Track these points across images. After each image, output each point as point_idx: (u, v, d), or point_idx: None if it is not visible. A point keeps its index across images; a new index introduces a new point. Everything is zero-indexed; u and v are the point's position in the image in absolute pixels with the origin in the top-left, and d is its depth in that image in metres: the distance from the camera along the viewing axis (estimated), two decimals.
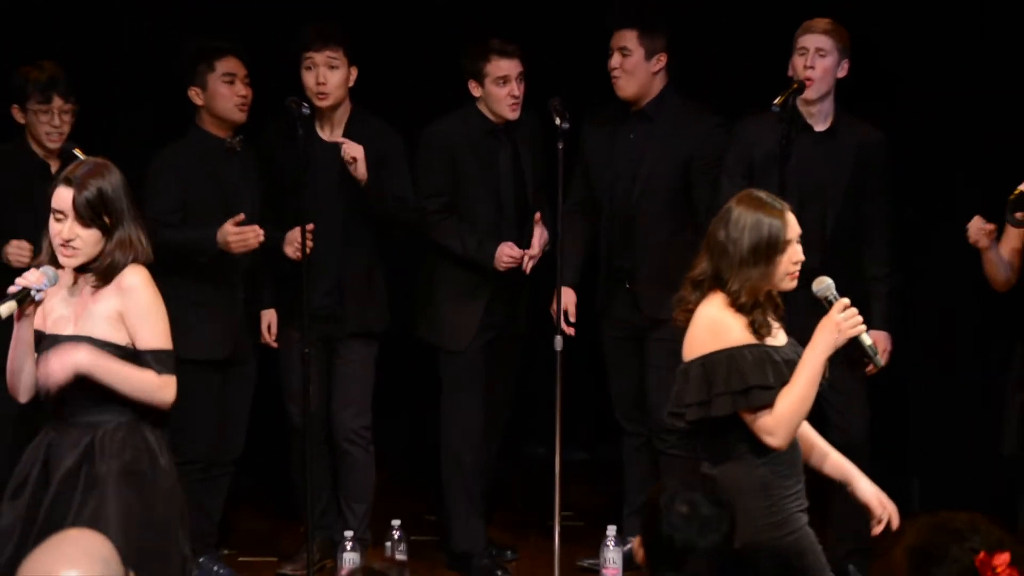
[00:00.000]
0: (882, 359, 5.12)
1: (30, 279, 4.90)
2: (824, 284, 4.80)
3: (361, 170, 6.63)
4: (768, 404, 4.64)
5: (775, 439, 4.67)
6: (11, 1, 7.45)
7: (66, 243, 4.92)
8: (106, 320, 4.99)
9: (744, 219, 4.72)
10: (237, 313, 6.76)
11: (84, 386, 4.99)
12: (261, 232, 6.57)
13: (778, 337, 4.78)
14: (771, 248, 4.66)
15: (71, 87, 6.47)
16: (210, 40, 6.73)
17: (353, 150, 6.68)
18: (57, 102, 6.42)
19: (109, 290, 5.02)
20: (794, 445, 4.80)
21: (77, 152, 6.26)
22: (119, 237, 4.97)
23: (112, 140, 6.90)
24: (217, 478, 6.85)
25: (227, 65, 6.60)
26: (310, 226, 6.58)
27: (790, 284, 4.76)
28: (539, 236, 6.90)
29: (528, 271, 6.91)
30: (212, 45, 6.68)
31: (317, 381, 6.74)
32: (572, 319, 6.83)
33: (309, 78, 6.67)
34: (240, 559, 7.16)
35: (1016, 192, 6.17)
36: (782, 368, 4.71)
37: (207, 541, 6.78)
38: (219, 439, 6.83)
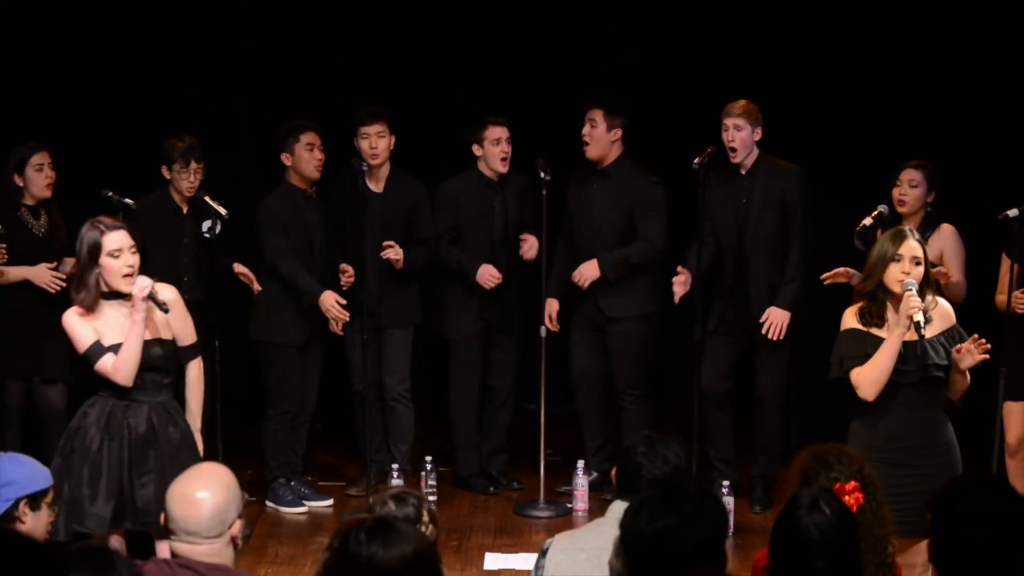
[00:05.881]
0: (924, 328, 5.55)
1: (144, 283, 5.51)
2: (907, 281, 5.54)
3: (399, 262, 7.46)
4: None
5: (859, 391, 5.61)
6: (153, 85, 8.51)
7: (131, 268, 5.51)
8: (163, 327, 5.63)
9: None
10: (309, 314, 7.50)
11: (154, 372, 5.59)
12: (344, 320, 7.34)
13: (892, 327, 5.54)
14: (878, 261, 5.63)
15: (203, 153, 7.37)
16: (296, 120, 7.58)
17: (395, 254, 7.51)
18: (193, 164, 7.31)
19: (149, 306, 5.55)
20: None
21: (207, 199, 7.18)
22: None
23: (228, 189, 7.68)
24: (300, 425, 7.68)
25: (308, 137, 7.49)
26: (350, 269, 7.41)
27: (897, 289, 5.58)
28: (531, 243, 7.67)
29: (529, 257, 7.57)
30: (297, 123, 7.53)
31: (371, 358, 7.55)
32: (555, 320, 7.74)
33: (364, 145, 7.51)
34: (319, 483, 7.89)
35: (860, 225, 7.03)
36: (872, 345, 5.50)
37: (296, 469, 7.68)
38: (301, 398, 7.63)
